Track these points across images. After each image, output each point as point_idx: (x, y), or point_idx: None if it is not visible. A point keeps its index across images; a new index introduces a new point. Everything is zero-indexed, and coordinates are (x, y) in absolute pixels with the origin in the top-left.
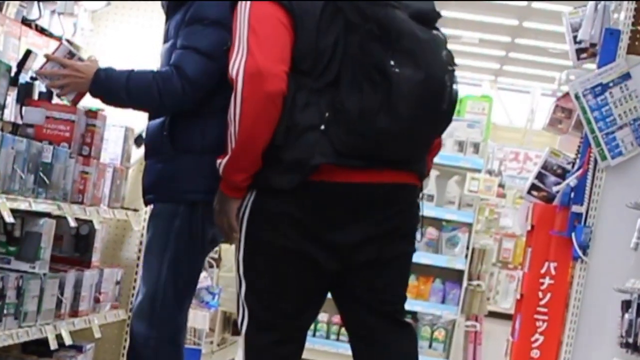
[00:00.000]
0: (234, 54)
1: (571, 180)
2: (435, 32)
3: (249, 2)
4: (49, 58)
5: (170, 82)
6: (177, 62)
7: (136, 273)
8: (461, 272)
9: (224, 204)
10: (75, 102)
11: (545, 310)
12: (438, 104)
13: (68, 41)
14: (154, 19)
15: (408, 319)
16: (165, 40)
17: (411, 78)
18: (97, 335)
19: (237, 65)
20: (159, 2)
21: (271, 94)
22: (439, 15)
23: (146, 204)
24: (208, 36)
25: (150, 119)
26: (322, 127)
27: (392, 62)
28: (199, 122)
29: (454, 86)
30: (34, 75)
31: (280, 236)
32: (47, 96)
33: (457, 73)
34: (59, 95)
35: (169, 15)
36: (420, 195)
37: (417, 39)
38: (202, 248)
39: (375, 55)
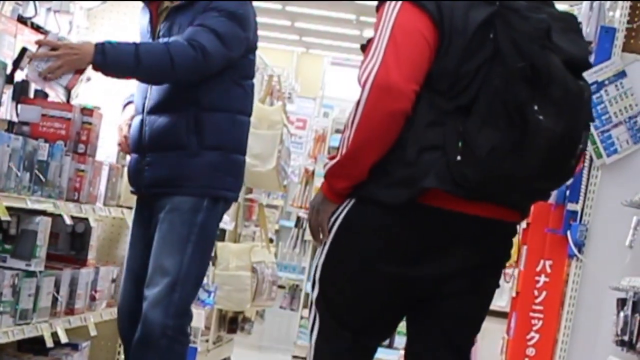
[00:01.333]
0: (368, 55)
1: None
2: (582, 82)
3: (398, 4)
4: (40, 43)
5: (184, 50)
6: (191, 36)
7: None
8: None
9: (322, 205)
10: (71, 85)
11: (540, 308)
12: (568, 159)
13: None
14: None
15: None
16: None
17: (551, 129)
18: (93, 333)
19: (368, 71)
20: None
21: (394, 113)
22: (590, 66)
23: (156, 194)
24: (225, 23)
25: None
26: (459, 157)
27: (535, 107)
28: (227, 120)
29: (587, 141)
30: (30, 68)
31: (370, 250)
32: (42, 94)
33: None
34: (54, 78)
35: (171, 13)
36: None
37: (567, 89)
38: (214, 240)
39: (520, 95)
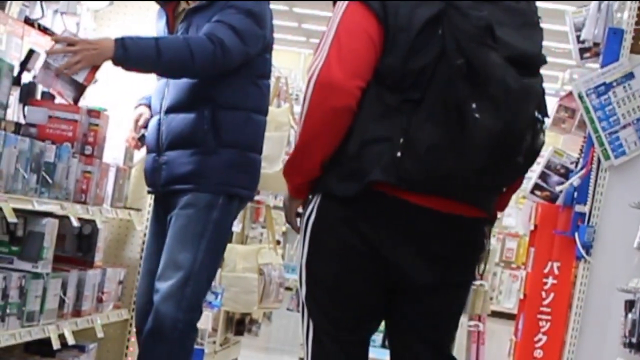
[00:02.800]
0: (315, 54)
1: (574, 180)
2: (533, 79)
3: (345, 4)
4: (56, 39)
5: (204, 44)
6: (210, 30)
7: (138, 273)
8: None
9: (288, 201)
10: (88, 79)
11: (548, 310)
12: (512, 156)
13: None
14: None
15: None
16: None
17: (488, 128)
18: (100, 335)
19: (312, 69)
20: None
21: (337, 109)
22: (544, 62)
23: (172, 191)
24: (243, 21)
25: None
26: (399, 153)
27: (474, 106)
28: (242, 119)
29: (540, 137)
30: (43, 68)
31: (341, 243)
32: (49, 96)
33: None
34: (71, 73)
35: (188, 14)
36: (487, 230)
37: (506, 88)
38: (228, 237)
39: (459, 93)
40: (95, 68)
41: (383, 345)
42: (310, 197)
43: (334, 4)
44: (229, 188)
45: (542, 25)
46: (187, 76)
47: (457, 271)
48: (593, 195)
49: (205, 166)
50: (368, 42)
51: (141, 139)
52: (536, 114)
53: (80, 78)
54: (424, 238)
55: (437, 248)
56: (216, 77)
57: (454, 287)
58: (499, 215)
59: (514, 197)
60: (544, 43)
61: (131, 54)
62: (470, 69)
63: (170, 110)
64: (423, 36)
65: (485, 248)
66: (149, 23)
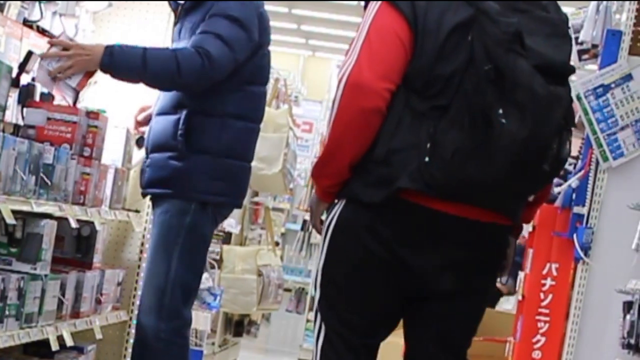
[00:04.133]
0: (347, 55)
1: (573, 182)
2: (561, 87)
3: (377, 5)
4: (52, 43)
5: (191, 57)
6: (197, 43)
7: (138, 274)
8: None
9: (315, 204)
10: (82, 85)
11: (547, 311)
12: (538, 164)
13: (68, 37)
14: (155, 20)
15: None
16: (177, 39)
17: (514, 134)
18: (99, 336)
19: (343, 70)
20: (160, 3)
21: (366, 110)
22: (572, 70)
23: (148, 194)
24: (229, 28)
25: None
26: (427, 158)
27: (500, 111)
28: (215, 125)
29: (565, 146)
30: (40, 68)
31: (362, 249)
32: (48, 97)
33: None
34: (64, 77)
35: (181, 15)
36: (513, 240)
37: (533, 94)
38: (208, 245)
39: (486, 98)
40: (89, 74)
41: None
42: (334, 202)
43: (366, 6)
44: (201, 195)
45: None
46: (174, 88)
47: (479, 278)
48: (591, 197)
49: (176, 171)
50: (398, 45)
51: (139, 141)
52: (563, 122)
53: (73, 83)
54: (448, 245)
55: (461, 256)
56: (206, 89)
57: (475, 294)
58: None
59: None
60: None
61: (117, 63)
62: (498, 75)
63: (158, 112)
64: (452, 41)
65: (506, 257)
66: (148, 25)
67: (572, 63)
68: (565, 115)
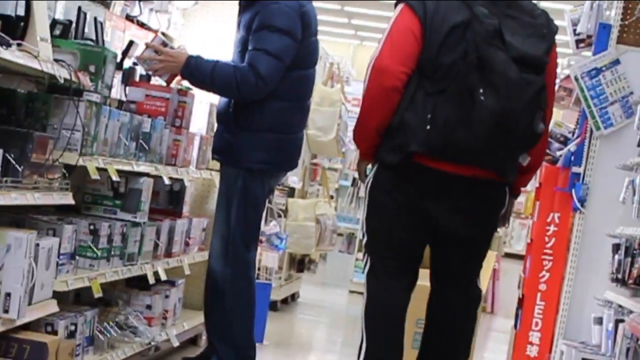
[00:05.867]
0: (376, 47)
1: (571, 146)
2: (534, 75)
3: (399, 8)
4: (147, 45)
5: (247, 77)
6: (251, 61)
7: None
8: None
9: (359, 162)
10: (168, 82)
11: (550, 252)
12: (510, 132)
13: (163, 33)
14: (233, 15)
15: (475, 279)
16: (237, 31)
17: (490, 108)
18: (187, 272)
19: (371, 58)
20: (237, 2)
21: (386, 88)
22: (545, 63)
23: (214, 159)
24: (275, 41)
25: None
26: (428, 127)
27: (481, 91)
28: (259, 105)
29: (539, 123)
30: (136, 61)
31: (391, 200)
32: (146, 78)
33: None
34: (154, 76)
35: (241, 11)
36: (507, 190)
37: (506, 78)
38: (261, 202)
39: (471, 81)
40: (174, 75)
41: None
42: (370, 167)
43: (396, 5)
44: (247, 164)
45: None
46: (235, 99)
47: (481, 223)
48: (587, 159)
49: (228, 144)
50: (412, 39)
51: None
52: (536, 103)
53: (162, 79)
54: (454, 197)
55: (464, 204)
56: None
57: (477, 240)
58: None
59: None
60: None
61: (192, 75)
62: (480, 63)
63: None
64: (452, 37)
65: (505, 206)
66: (228, 19)
67: (570, 50)
68: (537, 97)
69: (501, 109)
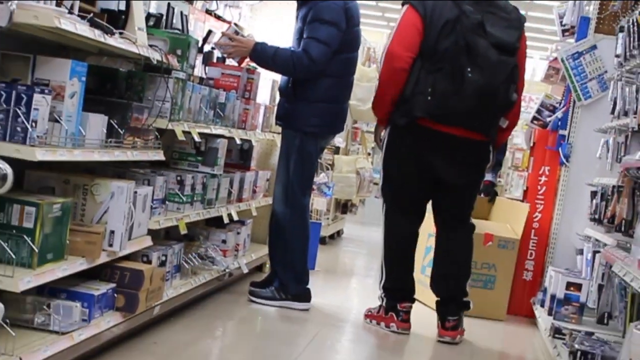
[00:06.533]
0: (388, 38)
1: (559, 114)
2: (509, 57)
3: (405, 8)
4: (223, 34)
5: (301, 60)
6: (305, 47)
7: None
8: None
9: (376, 127)
10: (239, 63)
11: (542, 197)
12: (491, 100)
13: (235, 24)
14: (291, 10)
15: (468, 219)
16: (296, 22)
17: (475, 82)
18: (254, 213)
19: (384, 47)
20: (295, 0)
21: (396, 69)
22: (517, 48)
23: (277, 124)
24: (324, 30)
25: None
26: (429, 97)
27: (469, 69)
28: (312, 81)
29: (513, 93)
30: (213, 46)
31: (401, 151)
32: (222, 60)
33: None
34: (228, 58)
35: (298, 7)
36: (491, 148)
37: (487, 60)
38: (314, 158)
39: (461, 62)
40: (244, 57)
41: None
42: (385, 127)
43: (402, 6)
44: (303, 127)
45: (538, 14)
46: (293, 78)
47: (470, 173)
48: (570, 123)
49: (288, 112)
50: (415, 31)
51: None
52: (510, 77)
53: (235, 61)
54: (449, 152)
55: (458, 158)
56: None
57: (469, 186)
58: (511, 136)
59: (520, 123)
60: (540, 26)
61: (258, 58)
62: (468, 48)
63: None
64: (445, 29)
65: (490, 160)
66: (287, 13)
67: (557, 38)
68: (511, 74)
69: (485, 84)
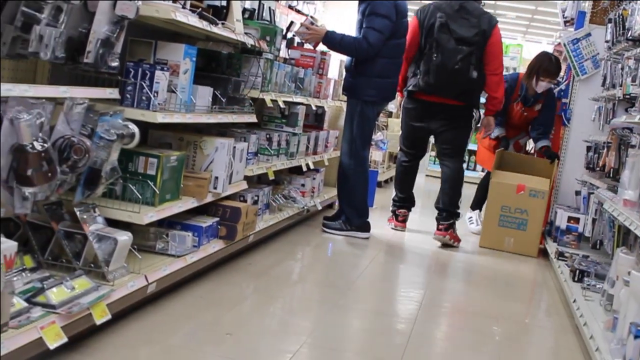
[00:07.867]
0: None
1: (562, 86)
2: (467, 47)
3: (413, 17)
4: (302, 24)
5: (361, 44)
6: (364, 34)
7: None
8: None
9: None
10: (315, 46)
11: None
12: (452, 76)
13: (311, 17)
14: (354, 5)
15: (457, 157)
16: (357, 15)
17: (436, 63)
18: (326, 164)
19: None
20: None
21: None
22: (474, 42)
23: (343, 94)
24: (379, 22)
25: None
26: (419, 76)
27: (435, 55)
28: (370, 61)
29: (472, 71)
30: (294, 34)
31: (409, 114)
32: (301, 44)
33: (504, 31)
34: (306, 43)
35: (359, 3)
36: (474, 111)
37: (447, 49)
38: (372, 120)
39: (432, 50)
40: (318, 42)
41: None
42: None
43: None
44: (363, 97)
45: (544, 9)
46: (355, 58)
47: (457, 128)
48: (571, 93)
49: (351, 85)
50: (415, 32)
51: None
52: (467, 61)
53: (311, 45)
54: (437, 115)
55: (437, 116)
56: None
57: (454, 131)
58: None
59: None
60: (547, 18)
61: (328, 42)
62: (436, 42)
63: None
64: (429, 31)
65: (473, 117)
66: (351, 8)
67: (560, 27)
68: (468, 58)
69: (441, 63)
